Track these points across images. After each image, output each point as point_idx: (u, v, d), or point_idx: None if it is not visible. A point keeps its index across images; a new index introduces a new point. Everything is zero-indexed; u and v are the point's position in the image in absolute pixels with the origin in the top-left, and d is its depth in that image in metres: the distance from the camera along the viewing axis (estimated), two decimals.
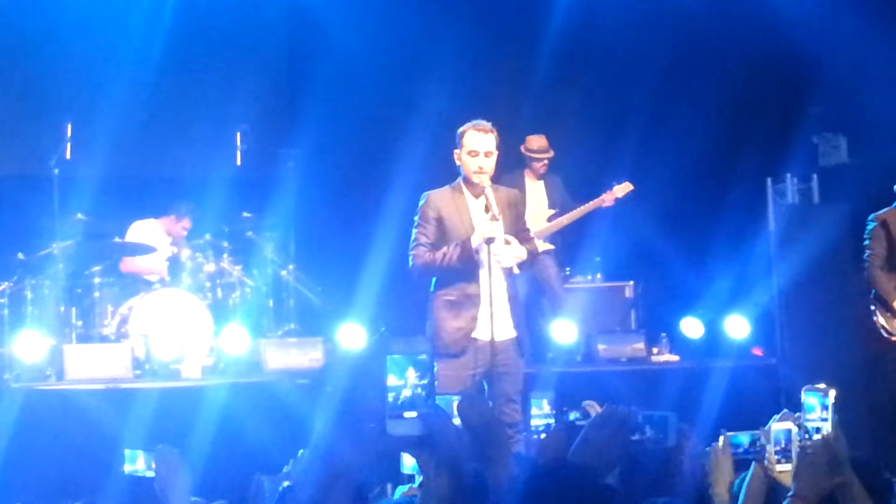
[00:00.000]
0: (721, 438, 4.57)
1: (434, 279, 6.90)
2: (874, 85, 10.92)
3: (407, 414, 4.04)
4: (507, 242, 6.70)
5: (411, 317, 7.70)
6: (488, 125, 6.89)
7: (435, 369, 6.71)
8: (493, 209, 6.62)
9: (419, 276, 6.91)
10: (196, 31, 11.99)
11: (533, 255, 6.95)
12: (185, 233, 11.22)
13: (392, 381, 4.03)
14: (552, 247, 10.75)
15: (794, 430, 4.41)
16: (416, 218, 6.92)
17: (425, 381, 4.06)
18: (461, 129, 6.89)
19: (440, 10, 11.82)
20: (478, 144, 6.81)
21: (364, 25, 11.91)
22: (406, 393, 4.04)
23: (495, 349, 6.64)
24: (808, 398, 4.22)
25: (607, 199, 10.68)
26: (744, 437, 4.55)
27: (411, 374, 4.07)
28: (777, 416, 4.46)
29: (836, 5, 10.65)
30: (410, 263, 6.89)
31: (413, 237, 6.88)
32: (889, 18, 10.49)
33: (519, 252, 6.72)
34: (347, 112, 11.90)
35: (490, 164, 6.82)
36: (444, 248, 6.74)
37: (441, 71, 11.69)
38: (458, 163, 6.91)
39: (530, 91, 12.02)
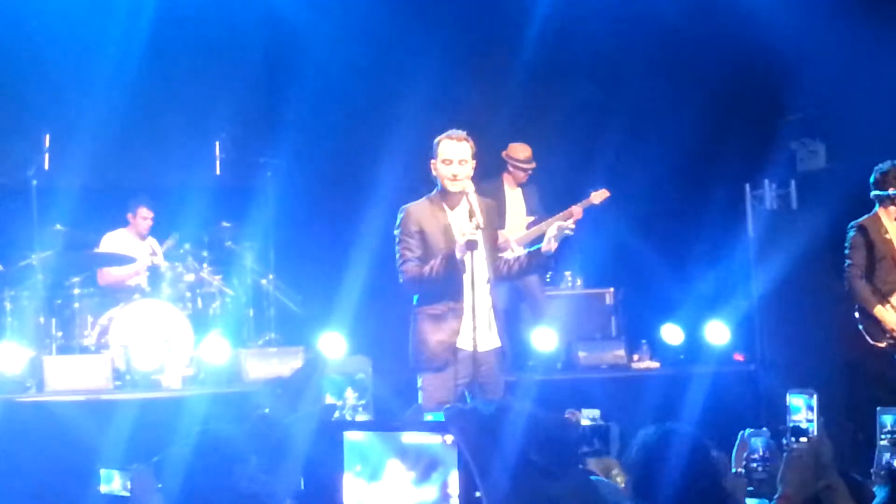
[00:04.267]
0: None
1: (416, 295, 6.86)
2: (853, 91, 10.92)
3: None
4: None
5: (392, 325, 7.65)
6: (462, 134, 6.86)
7: (419, 383, 6.78)
8: (478, 216, 6.61)
9: (412, 291, 6.86)
10: (174, 41, 11.95)
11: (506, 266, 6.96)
12: (149, 223, 11.17)
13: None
14: None
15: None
16: (396, 233, 6.86)
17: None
18: (436, 140, 6.87)
19: (419, 19, 11.81)
20: (451, 153, 6.79)
21: (342, 35, 11.88)
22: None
23: (478, 360, 6.61)
24: (794, 399, 4.22)
25: (576, 211, 10.47)
26: None
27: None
28: (749, 431, 4.46)
29: (815, 12, 10.67)
30: (401, 280, 6.83)
31: (399, 253, 6.82)
32: (868, 25, 10.51)
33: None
34: (326, 121, 11.88)
35: (465, 172, 6.79)
36: (431, 262, 6.69)
37: (419, 79, 11.65)
38: (434, 173, 6.87)
39: (509, 98, 12.02)
